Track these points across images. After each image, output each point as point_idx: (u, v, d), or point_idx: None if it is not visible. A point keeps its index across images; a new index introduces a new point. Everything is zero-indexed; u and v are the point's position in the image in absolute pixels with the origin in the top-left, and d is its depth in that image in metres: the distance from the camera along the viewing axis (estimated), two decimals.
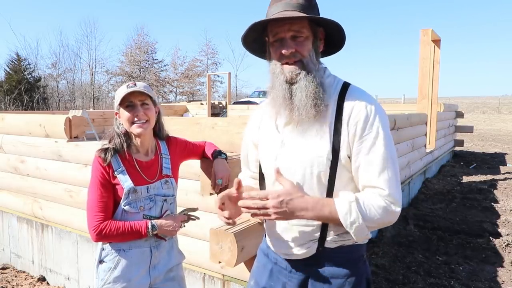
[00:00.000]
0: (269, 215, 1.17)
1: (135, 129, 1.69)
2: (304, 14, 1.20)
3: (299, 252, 1.31)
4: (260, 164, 1.43)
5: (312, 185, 1.24)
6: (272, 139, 1.35)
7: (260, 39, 1.34)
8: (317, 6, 1.31)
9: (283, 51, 1.23)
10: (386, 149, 1.21)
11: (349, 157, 1.23)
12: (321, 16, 1.25)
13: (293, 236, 1.30)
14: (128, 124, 1.69)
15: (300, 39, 1.23)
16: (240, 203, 1.20)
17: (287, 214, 1.17)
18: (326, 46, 1.34)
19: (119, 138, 1.72)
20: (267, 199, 1.16)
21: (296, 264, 1.34)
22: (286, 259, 1.36)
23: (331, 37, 1.33)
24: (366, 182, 1.22)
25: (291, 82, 1.24)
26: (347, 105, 1.24)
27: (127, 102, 1.67)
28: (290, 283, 1.35)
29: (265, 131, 1.39)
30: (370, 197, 1.19)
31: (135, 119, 1.68)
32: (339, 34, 1.30)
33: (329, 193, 1.25)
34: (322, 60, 1.36)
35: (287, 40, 1.23)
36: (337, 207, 1.17)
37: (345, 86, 1.30)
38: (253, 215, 1.20)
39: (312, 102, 1.21)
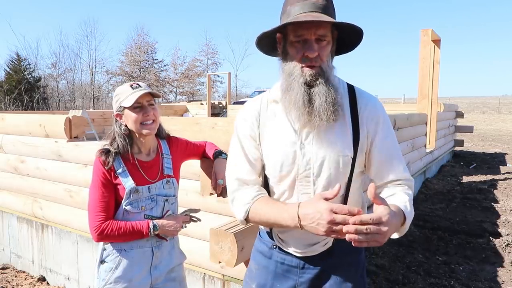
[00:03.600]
0: (379, 242, 1.02)
1: (144, 130, 1.69)
2: (332, 20, 1.18)
3: (318, 248, 1.33)
4: (264, 165, 1.34)
5: (337, 183, 1.21)
6: (287, 139, 1.28)
7: (271, 35, 1.29)
8: (333, 5, 1.29)
9: (308, 54, 1.20)
10: (396, 142, 1.33)
11: (365, 156, 1.32)
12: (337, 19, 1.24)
13: (313, 234, 1.18)
14: (137, 125, 1.68)
15: (323, 44, 1.22)
16: (348, 228, 1.01)
17: (387, 237, 1.06)
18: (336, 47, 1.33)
19: (122, 139, 1.71)
20: (381, 223, 1.02)
21: (311, 259, 1.35)
22: (300, 257, 1.36)
23: (343, 40, 1.31)
24: (390, 177, 1.30)
25: (310, 85, 1.22)
26: (360, 106, 1.31)
27: (135, 104, 1.67)
28: (301, 280, 1.35)
29: (275, 131, 1.31)
30: (402, 194, 1.27)
31: (145, 120, 1.68)
32: (355, 39, 1.29)
33: (347, 191, 1.30)
34: None
35: (312, 43, 1.20)
36: (405, 214, 1.20)
37: (351, 87, 1.35)
38: (358, 242, 1.01)
39: (332, 108, 1.21)
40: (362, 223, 1.01)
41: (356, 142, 1.28)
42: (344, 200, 1.31)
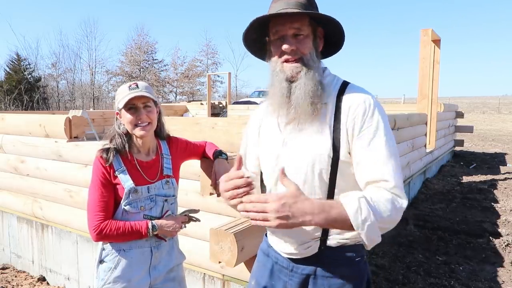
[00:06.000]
0: (268, 220, 1.06)
1: (137, 132, 1.69)
2: (296, 10, 1.21)
3: (301, 251, 1.31)
4: (260, 164, 1.43)
5: (314, 183, 1.24)
6: (273, 138, 1.34)
7: (261, 40, 1.34)
8: (316, 5, 1.32)
9: (284, 47, 1.23)
10: (387, 142, 1.19)
11: (349, 154, 1.22)
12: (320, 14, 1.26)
13: (295, 234, 1.29)
14: (131, 126, 1.69)
15: (301, 37, 1.24)
16: (240, 207, 1.12)
17: (289, 219, 1.05)
18: (325, 46, 1.35)
19: (121, 138, 1.72)
20: (267, 202, 1.06)
21: (297, 263, 1.34)
22: (288, 258, 1.36)
23: (330, 37, 1.33)
24: (369, 177, 1.17)
25: (291, 80, 1.25)
26: (345, 102, 1.24)
27: (130, 105, 1.67)
28: (291, 282, 1.34)
29: (266, 131, 1.39)
30: (376, 191, 1.15)
31: (138, 122, 1.68)
32: (339, 33, 1.30)
33: (331, 191, 1.24)
34: (323, 61, 1.36)
35: (288, 37, 1.24)
36: (346, 206, 1.09)
37: (344, 84, 1.30)
38: (253, 219, 1.09)
39: (309, 100, 1.21)
40: (250, 201, 1.10)
41: (337, 140, 1.22)
42: None
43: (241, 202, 1.13)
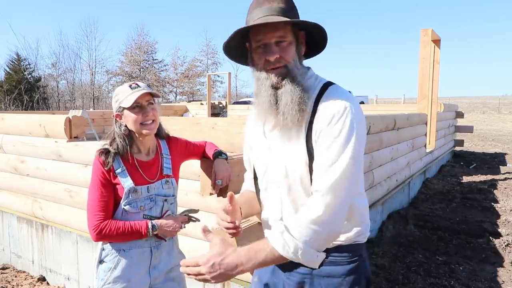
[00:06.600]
0: (208, 280, 1.12)
1: (144, 130, 1.69)
2: (287, 19, 1.20)
3: None
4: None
5: (298, 190, 1.25)
6: (260, 145, 1.36)
7: (241, 45, 1.32)
8: (296, 8, 1.30)
9: (269, 58, 1.21)
10: (341, 152, 1.13)
11: None
12: (301, 19, 1.24)
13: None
14: (137, 125, 1.68)
15: (284, 44, 1.22)
16: (181, 269, 1.16)
17: (224, 276, 1.12)
18: (308, 47, 1.33)
19: (122, 140, 1.71)
20: (199, 265, 1.11)
21: (294, 263, 1.34)
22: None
23: (313, 39, 1.32)
24: (312, 186, 1.17)
25: (276, 87, 1.23)
26: (321, 106, 1.21)
27: (135, 104, 1.67)
28: (288, 281, 1.35)
29: (254, 138, 1.40)
30: (299, 216, 1.16)
31: (145, 120, 1.68)
32: (321, 36, 1.29)
33: None
34: (310, 60, 1.36)
35: (271, 46, 1.21)
36: (273, 245, 1.12)
37: (325, 87, 1.27)
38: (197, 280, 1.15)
39: (297, 107, 1.20)
40: (186, 265, 1.14)
41: (310, 146, 1.20)
42: None
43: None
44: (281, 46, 1.22)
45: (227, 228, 1.31)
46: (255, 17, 1.23)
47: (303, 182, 1.23)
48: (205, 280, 1.13)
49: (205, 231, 1.20)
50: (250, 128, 1.46)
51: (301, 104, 1.20)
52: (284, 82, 1.22)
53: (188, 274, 1.14)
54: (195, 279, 1.14)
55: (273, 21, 1.18)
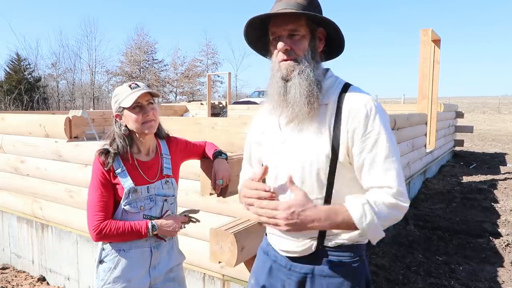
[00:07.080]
0: (279, 225, 1.15)
1: (145, 129, 1.69)
2: (287, 10, 1.22)
3: (297, 248, 1.31)
4: (262, 162, 1.44)
5: (312, 183, 1.25)
6: (274, 137, 1.36)
7: (264, 38, 1.35)
8: (319, 7, 1.31)
9: (278, 46, 1.25)
10: (389, 147, 1.21)
11: (348, 156, 1.23)
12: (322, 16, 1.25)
13: (293, 233, 1.30)
14: (137, 125, 1.68)
15: (296, 37, 1.25)
16: (251, 210, 1.21)
17: (298, 226, 1.15)
18: (329, 47, 1.35)
19: (122, 140, 1.71)
20: (277, 210, 1.15)
21: (295, 261, 1.34)
22: (286, 257, 1.36)
23: (333, 39, 1.33)
24: (372, 182, 1.21)
25: (286, 79, 1.26)
26: (346, 104, 1.24)
27: (136, 103, 1.67)
28: (289, 281, 1.35)
29: (268, 129, 1.40)
30: (380, 196, 1.19)
31: (145, 119, 1.68)
32: (337, 34, 1.30)
33: (328, 191, 1.25)
34: (327, 62, 1.37)
35: (283, 38, 1.25)
36: (351, 212, 1.17)
37: (346, 86, 1.30)
38: (263, 222, 1.19)
39: (305, 100, 1.22)
40: (262, 207, 1.18)
41: (336, 141, 1.23)
42: (326, 204, 1.26)
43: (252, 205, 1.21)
44: (294, 39, 1.25)
45: (260, 199, 1.22)
46: (273, 10, 1.26)
47: (319, 176, 1.25)
48: (275, 225, 1.16)
49: (291, 181, 1.21)
50: (260, 123, 1.46)
51: (309, 97, 1.23)
52: (293, 74, 1.25)
53: (259, 215, 1.18)
54: (264, 221, 1.17)
55: (278, 12, 1.22)
